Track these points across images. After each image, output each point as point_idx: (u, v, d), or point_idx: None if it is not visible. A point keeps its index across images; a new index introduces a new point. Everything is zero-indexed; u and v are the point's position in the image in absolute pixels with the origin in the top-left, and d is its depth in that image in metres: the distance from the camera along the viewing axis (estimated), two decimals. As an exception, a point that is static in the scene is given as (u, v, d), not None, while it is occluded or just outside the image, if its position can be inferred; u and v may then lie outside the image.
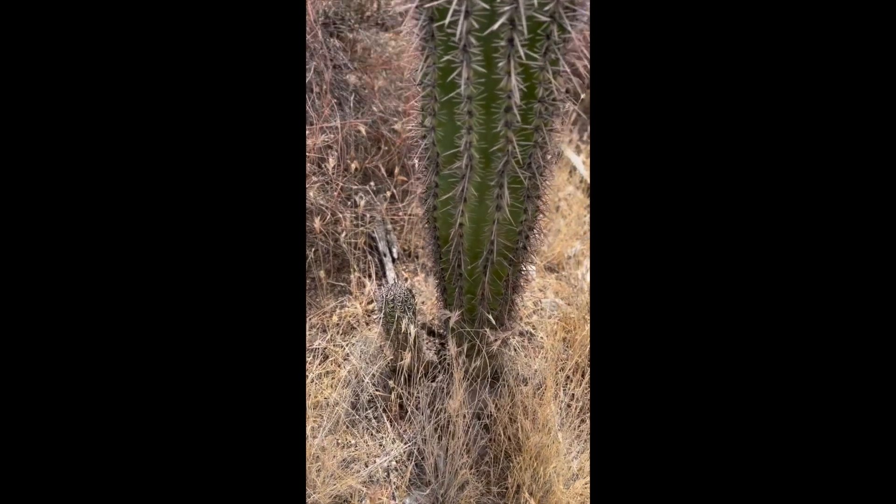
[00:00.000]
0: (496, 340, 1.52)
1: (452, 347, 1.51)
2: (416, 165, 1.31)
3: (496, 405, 1.66)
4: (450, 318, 1.49)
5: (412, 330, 1.57)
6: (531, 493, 1.47)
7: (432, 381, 1.76)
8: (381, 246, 2.22)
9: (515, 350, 1.88)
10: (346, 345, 1.88)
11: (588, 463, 1.52)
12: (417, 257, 2.23)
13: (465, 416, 1.58)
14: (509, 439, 1.60)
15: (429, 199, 1.30)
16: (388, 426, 1.68)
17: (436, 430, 1.62)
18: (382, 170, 2.10)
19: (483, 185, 1.16)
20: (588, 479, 1.45)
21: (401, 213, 2.22)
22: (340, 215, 2.02)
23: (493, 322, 1.45)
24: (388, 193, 2.12)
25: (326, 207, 2.00)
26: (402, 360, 1.67)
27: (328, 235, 2.06)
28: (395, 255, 2.21)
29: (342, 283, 2.08)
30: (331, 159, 1.85)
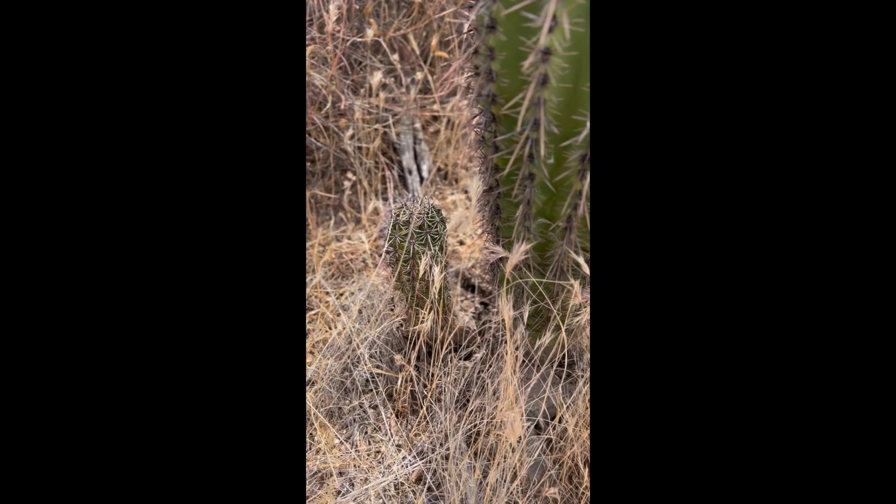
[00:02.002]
0: (584, 303, 0.85)
1: (505, 309, 0.85)
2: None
3: (570, 411, 1.00)
4: (503, 258, 0.82)
5: (437, 274, 0.92)
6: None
7: (466, 360, 1.12)
8: (406, 159, 1.55)
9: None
10: (341, 294, 1.26)
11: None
12: (457, 180, 1.55)
13: (519, 425, 0.94)
14: (584, 466, 0.95)
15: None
16: (391, 424, 1.07)
17: (468, 442, 0.99)
18: (413, 43, 1.40)
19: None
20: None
21: (438, 110, 1.51)
22: (346, 104, 1.35)
23: (587, 272, 0.77)
24: (420, 78, 1.43)
25: (325, 89, 1.33)
26: (419, 322, 1.02)
27: (328, 134, 1.41)
28: (426, 174, 1.54)
29: (346, 207, 1.43)
30: (332, 8, 1.17)
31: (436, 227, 0.95)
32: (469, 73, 0.76)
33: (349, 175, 1.24)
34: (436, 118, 1.57)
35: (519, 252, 0.77)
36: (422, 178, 1.53)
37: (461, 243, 1.38)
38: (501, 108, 0.72)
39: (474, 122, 0.80)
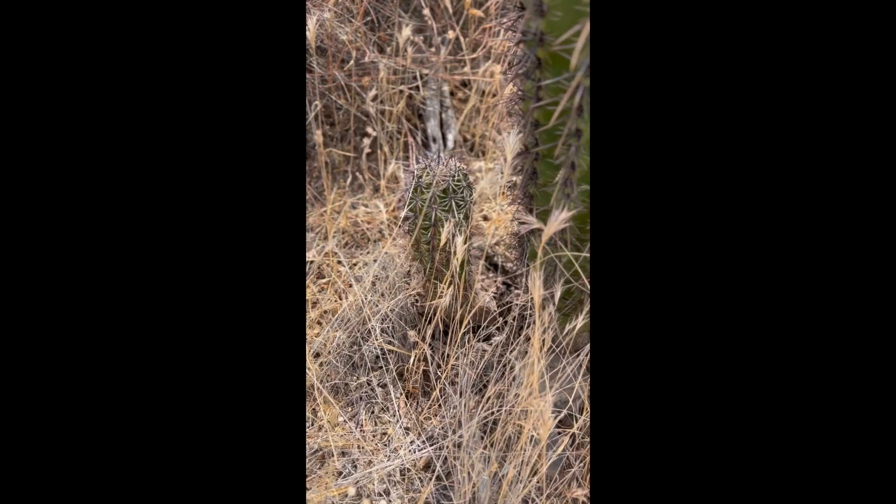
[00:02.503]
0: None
1: (535, 286, 0.75)
2: None
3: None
4: (535, 230, 0.73)
5: (460, 244, 0.82)
6: None
7: (485, 342, 1.03)
8: (431, 126, 1.45)
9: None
10: (354, 264, 1.17)
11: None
12: (484, 153, 1.45)
13: (543, 417, 0.85)
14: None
15: None
16: (400, 405, 0.99)
17: (483, 431, 0.91)
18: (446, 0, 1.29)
19: None
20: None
21: (468, 74, 1.41)
22: (370, 59, 1.26)
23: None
24: (451, 38, 1.32)
25: (350, 44, 1.24)
26: (436, 297, 0.94)
27: (350, 94, 1.31)
28: (450, 144, 1.44)
29: (363, 169, 1.34)
30: (360, -48, 1.07)
31: (462, 192, 0.86)
32: (509, 30, 0.65)
33: (368, 130, 1.15)
34: (465, 84, 1.46)
35: (558, 220, 0.67)
36: (446, 146, 1.43)
37: (486, 218, 1.28)
38: (550, 47, 0.61)
39: (515, 66, 0.69)
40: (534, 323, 0.77)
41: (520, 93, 0.74)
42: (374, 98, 1.29)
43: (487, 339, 1.06)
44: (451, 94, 1.49)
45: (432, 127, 1.44)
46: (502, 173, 0.95)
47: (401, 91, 1.32)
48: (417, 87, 1.39)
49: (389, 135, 1.34)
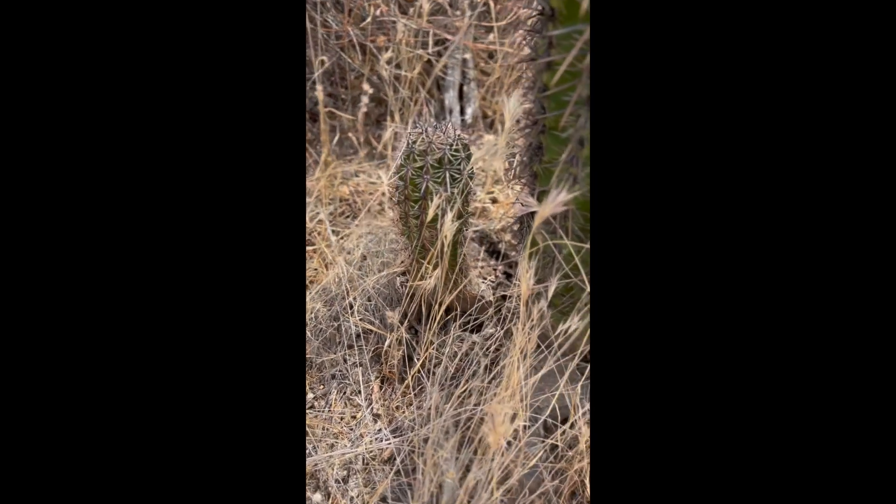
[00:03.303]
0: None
1: (524, 277, 0.66)
2: None
3: (586, 417, 0.82)
4: (532, 212, 0.63)
5: (448, 221, 0.74)
6: None
7: (474, 333, 0.95)
8: (449, 97, 1.35)
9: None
10: (347, 235, 1.10)
11: None
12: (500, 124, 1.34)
13: (506, 424, 0.76)
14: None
15: None
16: (374, 389, 0.92)
17: (456, 429, 0.83)
18: (478, -41, 1.18)
19: None
20: None
21: (494, 42, 1.30)
22: (390, 18, 1.17)
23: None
24: (481, 1, 1.21)
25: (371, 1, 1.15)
26: (423, 277, 0.85)
27: (364, 54, 1.23)
28: (468, 118, 1.34)
29: (359, 129, 1.26)
30: None
31: (459, 163, 0.77)
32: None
33: (365, 87, 1.06)
34: (491, 56, 1.35)
35: (555, 202, 0.58)
36: (464, 121, 1.33)
37: (494, 201, 1.19)
38: (564, -8, 0.51)
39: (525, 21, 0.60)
40: (518, 317, 0.69)
41: (531, 53, 0.64)
42: (390, 61, 1.20)
43: (478, 328, 0.97)
44: (475, 64, 1.38)
45: (450, 98, 1.34)
46: (496, 145, 0.86)
47: (419, 55, 1.23)
48: (439, 54, 1.29)
49: (402, 101, 1.25)
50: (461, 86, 1.35)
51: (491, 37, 1.28)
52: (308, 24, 1.15)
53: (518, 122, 0.72)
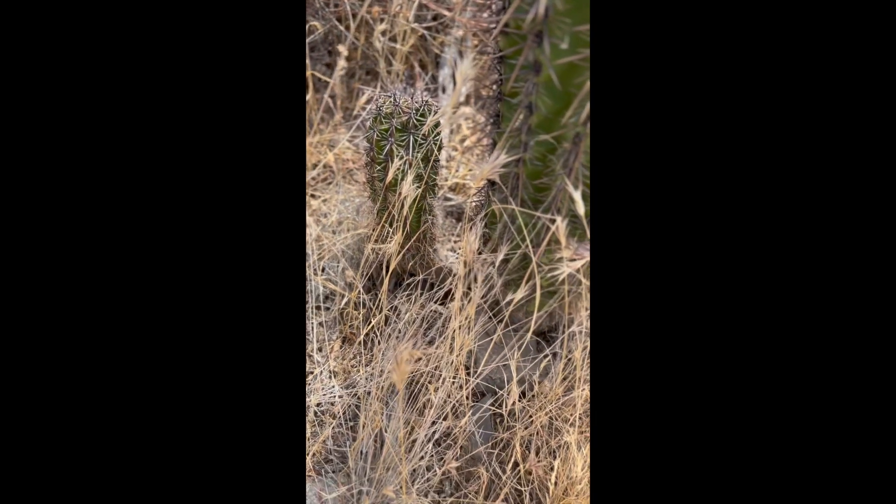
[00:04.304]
0: (574, 260, 0.65)
1: (470, 241, 0.68)
2: None
3: (531, 385, 0.83)
4: (483, 169, 0.64)
5: (407, 184, 0.75)
6: None
7: (434, 302, 0.96)
8: (443, 75, 1.36)
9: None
10: (325, 200, 1.12)
11: None
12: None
13: (461, 385, 0.79)
14: (536, 455, 0.79)
15: None
16: (333, 348, 0.94)
17: (408, 387, 0.85)
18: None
19: None
20: None
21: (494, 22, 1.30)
22: (384, -11, 1.18)
23: (583, 215, 0.58)
24: (477, -21, 1.21)
25: (366, -30, 1.16)
26: (382, 241, 0.87)
27: (359, 24, 1.24)
28: (462, 98, 1.35)
29: (336, 94, 1.28)
30: None
31: (422, 127, 0.78)
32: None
33: (340, 48, 1.07)
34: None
35: (494, 163, 0.59)
36: (458, 100, 1.34)
37: (470, 170, 1.19)
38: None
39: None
40: (459, 282, 0.70)
41: (492, 20, 0.65)
42: (384, 32, 1.21)
43: (442, 300, 0.99)
44: (475, 39, 1.38)
45: (444, 76, 1.35)
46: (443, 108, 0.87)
47: (414, 28, 1.23)
48: (436, 30, 1.30)
49: (396, 74, 1.26)
50: (456, 62, 1.36)
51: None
52: (305, -9, 1.17)
53: (483, 90, 0.73)
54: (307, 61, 1.03)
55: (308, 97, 1.15)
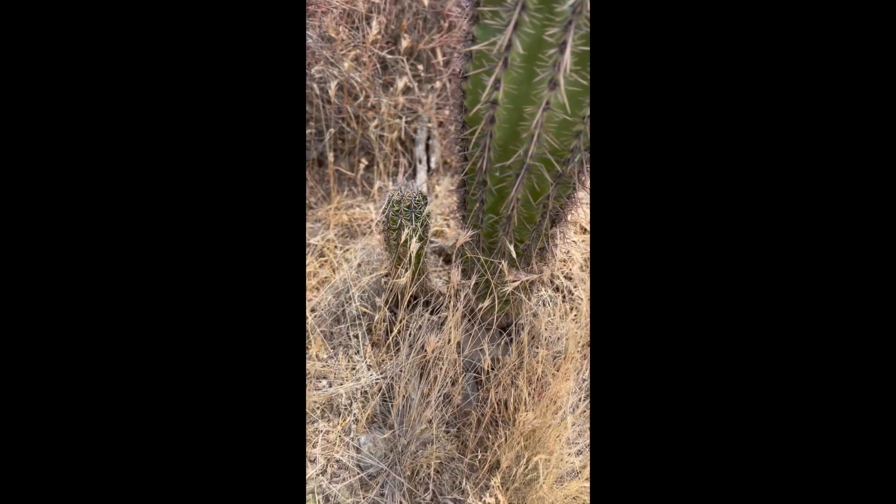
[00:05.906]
0: (514, 281, 1.17)
1: (454, 275, 1.17)
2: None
3: (497, 360, 1.33)
4: (459, 237, 1.15)
5: (413, 243, 1.25)
6: (506, 481, 1.16)
7: (431, 314, 1.46)
8: (419, 150, 1.87)
9: (543, 304, 1.52)
10: (347, 249, 1.60)
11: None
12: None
13: (454, 363, 1.27)
14: (504, 405, 1.28)
15: (462, 58, 0.92)
16: (367, 350, 1.42)
17: (420, 369, 1.33)
18: (439, 55, 1.71)
19: (537, 41, 0.77)
20: (588, 483, 1.11)
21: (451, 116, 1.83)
22: (375, 99, 1.68)
23: (515, 257, 1.09)
24: (439, 85, 1.74)
25: (359, 84, 1.66)
26: (398, 277, 1.36)
27: (357, 122, 1.74)
28: (433, 166, 1.86)
29: (362, 183, 1.78)
30: (374, 24, 1.49)
31: (419, 208, 1.28)
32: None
33: (362, 160, 1.58)
34: (448, 121, 1.87)
35: (465, 235, 1.09)
36: (429, 168, 1.85)
37: (448, 226, 1.70)
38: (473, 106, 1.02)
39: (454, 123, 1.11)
40: (451, 300, 1.19)
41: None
42: (377, 126, 1.71)
43: (435, 311, 1.47)
44: (439, 125, 1.91)
45: (419, 151, 1.86)
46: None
47: (397, 121, 1.74)
48: (411, 121, 1.81)
49: (385, 155, 1.76)
50: (427, 142, 1.88)
51: (446, 111, 1.80)
52: (319, 103, 1.66)
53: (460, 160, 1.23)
54: (331, 157, 1.51)
55: (330, 178, 1.63)
